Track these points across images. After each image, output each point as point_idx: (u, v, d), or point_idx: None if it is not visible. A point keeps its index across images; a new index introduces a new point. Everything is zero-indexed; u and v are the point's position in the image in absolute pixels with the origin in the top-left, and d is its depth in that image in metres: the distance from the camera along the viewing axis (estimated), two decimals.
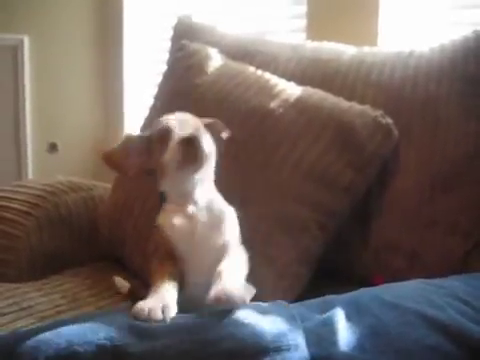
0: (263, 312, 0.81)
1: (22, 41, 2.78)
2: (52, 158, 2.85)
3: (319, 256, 1.29)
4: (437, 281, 0.96)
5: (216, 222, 1.04)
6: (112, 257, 1.61)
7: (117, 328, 0.77)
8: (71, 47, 2.82)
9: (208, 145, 1.02)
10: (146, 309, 0.83)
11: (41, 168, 2.87)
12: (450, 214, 1.29)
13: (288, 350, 0.72)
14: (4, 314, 1.23)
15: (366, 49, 1.58)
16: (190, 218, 1.03)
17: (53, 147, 2.86)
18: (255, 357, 0.72)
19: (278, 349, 0.72)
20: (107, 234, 1.60)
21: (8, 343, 0.77)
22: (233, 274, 0.94)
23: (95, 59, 2.82)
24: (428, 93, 1.37)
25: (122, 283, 1.42)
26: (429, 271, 1.22)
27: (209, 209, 1.05)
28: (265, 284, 1.13)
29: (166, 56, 1.84)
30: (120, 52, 2.72)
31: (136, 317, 0.83)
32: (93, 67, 2.83)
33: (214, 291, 0.87)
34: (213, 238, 1.03)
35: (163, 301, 0.87)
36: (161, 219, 1.07)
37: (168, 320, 0.83)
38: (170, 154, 1.00)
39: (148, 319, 0.82)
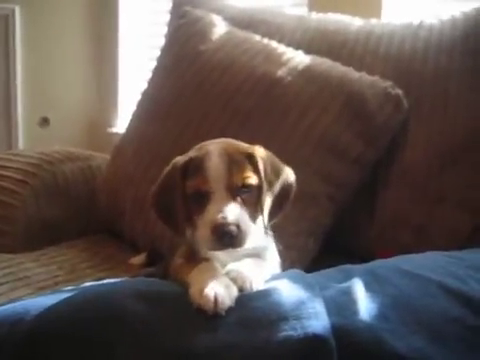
0: (279, 280, 0.78)
1: (13, 11, 2.68)
2: (44, 133, 2.78)
3: (327, 229, 1.27)
4: (455, 253, 0.93)
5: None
6: (109, 229, 1.58)
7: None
8: (64, 17, 2.73)
9: (247, 223, 0.83)
10: (212, 297, 0.71)
11: (32, 143, 2.78)
12: (459, 189, 1.27)
13: (308, 318, 0.68)
14: (0, 284, 1.19)
15: (373, 21, 1.53)
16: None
17: (45, 121, 2.79)
18: (274, 326, 0.68)
19: (298, 317, 0.69)
20: (105, 204, 1.56)
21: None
22: (252, 266, 0.84)
23: (89, 30, 2.75)
24: (439, 67, 1.33)
25: (137, 259, 1.39)
26: (436, 247, 1.19)
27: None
28: None
29: (162, 29, 1.78)
30: (115, 22, 2.65)
31: (200, 306, 0.71)
32: (87, 38, 2.76)
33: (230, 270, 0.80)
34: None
35: (225, 283, 0.75)
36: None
37: (234, 305, 0.72)
38: (201, 238, 0.85)
39: (214, 308, 0.70)
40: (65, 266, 1.32)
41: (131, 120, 1.61)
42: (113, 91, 2.71)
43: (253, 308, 0.71)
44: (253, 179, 0.86)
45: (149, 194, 0.93)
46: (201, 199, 0.84)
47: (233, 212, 0.82)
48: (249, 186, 0.85)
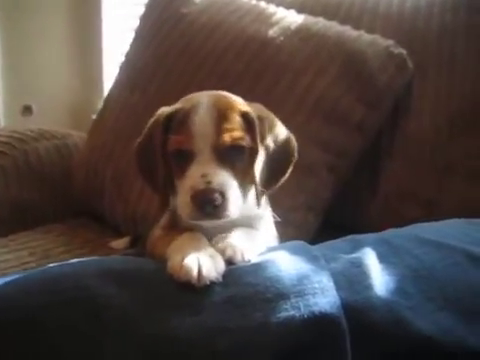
0: (276, 252, 0.66)
1: None
2: (26, 122, 2.65)
3: (327, 203, 1.15)
4: (477, 220, 0.81)
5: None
6: (89, 211, 1.45)
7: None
8: (46, 1, 2.61)
9: (234, 191, 0.72)
10: (195, 267, 0.60)
11: None
12: (470, 158, 1.16)
13: (313, 294, 0.57)
14: None
15: None
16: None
17: (27, 110, 2.69)
18: (271, 305, 0.56)
19: (300, 294, 0.57)
20: (83, 183, 1.43)
21: None
22: (243, 236, 0.73)
23: (72, 15, 2.64)
24: (444, 25, 1.22)
25: (119, 243, 1.27)
26: None
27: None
28: None
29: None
30: (99, 7, 2.54)
31: (180, 278, 0.60)
32: (70, 23, 2.65)
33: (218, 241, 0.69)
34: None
35: (210, 253, 0.65)
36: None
37: (221, 278, 0.61)
38: (180, 205, 0.73)
39: (198, 280, 0.59)
40: (37, 252, 1.20)
41: (110, 91, 1.49)
42: (97, 78, 2.61)
43: (245, 284, 0.59)
44: (245, 140, 0.74)
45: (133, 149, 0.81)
46: (183, 159, 0.73)
47: (218, 177, 0.70)
48: (240, 148, 0.73)
